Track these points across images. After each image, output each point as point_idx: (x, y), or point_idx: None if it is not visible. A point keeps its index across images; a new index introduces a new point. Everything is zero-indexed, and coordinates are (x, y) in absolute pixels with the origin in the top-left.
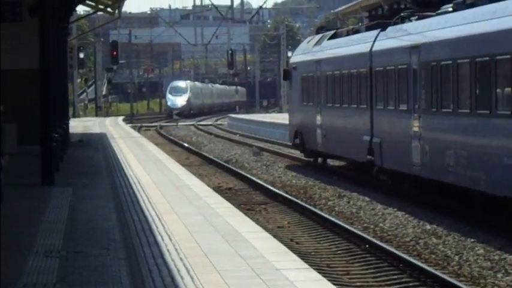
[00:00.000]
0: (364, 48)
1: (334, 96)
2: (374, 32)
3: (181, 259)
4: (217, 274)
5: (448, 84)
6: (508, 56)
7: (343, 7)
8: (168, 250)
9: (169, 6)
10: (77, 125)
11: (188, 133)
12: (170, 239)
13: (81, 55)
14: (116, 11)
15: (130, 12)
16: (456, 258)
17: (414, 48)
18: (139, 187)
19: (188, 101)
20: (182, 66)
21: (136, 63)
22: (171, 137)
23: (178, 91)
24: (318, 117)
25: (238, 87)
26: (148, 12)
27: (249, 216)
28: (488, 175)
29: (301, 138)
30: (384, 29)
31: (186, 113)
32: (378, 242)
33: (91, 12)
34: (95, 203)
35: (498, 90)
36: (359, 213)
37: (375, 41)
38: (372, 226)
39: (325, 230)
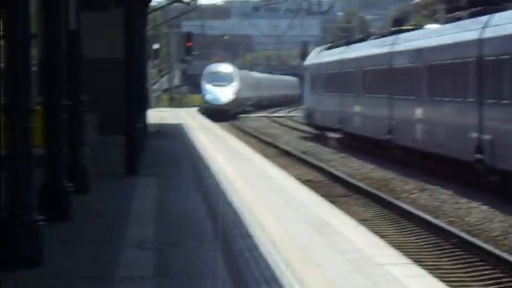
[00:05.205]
0: (337, 57)
1: (324, 88)
2: (343, 48)
3: (277, 252)
4: (318, 269)
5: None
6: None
7: None
8: (262, 243)
9: None
10: (153, 116)
11: (262, 124)
12: (263, 231)
13: (156, 46)
14: (191, 2)
15: (201, 4)
16: None
17: (357, 60)
18: (224, 178)
19: (238, 93)
20: (254, 58)
21: (209, 55)
22: (245, 128)
23: (220, 79)
24: (318, 102)
25: (289, 77)
26: (219, 3)
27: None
28: None
29: (310, 117)
30: (348, 46)
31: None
32: (467, 237)
33: (168, 2)
34: (182, 194)
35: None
36: (443, 207)
37: (342, 54)
38: (457, 220)
39: (410, 224)
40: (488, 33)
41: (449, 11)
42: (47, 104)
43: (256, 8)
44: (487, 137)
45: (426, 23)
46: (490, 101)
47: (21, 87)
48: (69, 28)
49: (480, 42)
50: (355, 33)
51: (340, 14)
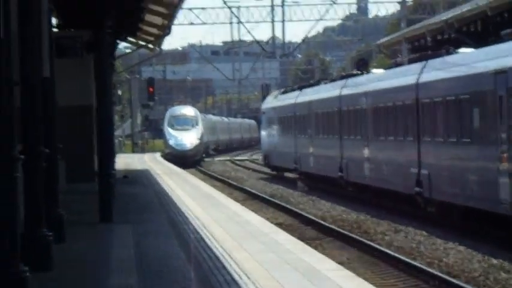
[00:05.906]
0: (292, 101)
1: (281, 130)
2: (297, 93)
3: None
4: None
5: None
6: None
7: (386, 39)
8: None
9: (200, 42)
10: (118, 162)
11: (226, 168)
12: (248, 278)
13: (119, 92)
14: (157, 47)
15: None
16: None
17: (310, 103)
18: (199, 223)
19: (201, 138)
20: (215, 102)
21: (170, 99)
22: (210, 173)
23: (182, 122)
24: (275, 144)
25: (246, 120)
26: (180, 48)
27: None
28: None
29: (267, 158)
30: (301, 90)
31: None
32: (449, 278)
33: (134, 48)
34: (159, 240)
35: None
36: (419, 248)
37: (296, 98)
38: (435, 261)
39: (388, 266)
40: (424, 79)
41: (414, 50)
42: (26, 153)
43: (215, 52)
44: (425, 171)
45: (388, 64)
46: (427, 139)
47: (6, 136)
48: (43, 75)
49: (417, 86)
50: (316, 74)
51: (299, 56)
